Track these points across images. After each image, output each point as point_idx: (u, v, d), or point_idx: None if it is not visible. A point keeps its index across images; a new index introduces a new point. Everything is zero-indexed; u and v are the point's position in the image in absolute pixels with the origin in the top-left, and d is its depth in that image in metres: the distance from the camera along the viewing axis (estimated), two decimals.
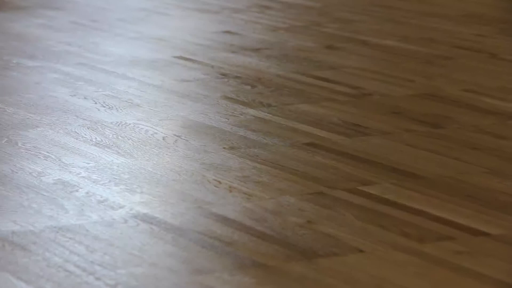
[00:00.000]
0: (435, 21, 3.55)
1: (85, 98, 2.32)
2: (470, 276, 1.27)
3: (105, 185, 1.67)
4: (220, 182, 1.70)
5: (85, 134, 2.00)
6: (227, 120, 2.14)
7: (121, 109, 2.22)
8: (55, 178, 1.70)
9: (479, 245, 1.40)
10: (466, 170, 1.80)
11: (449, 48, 3.05)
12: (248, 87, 2.47)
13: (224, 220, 1.50)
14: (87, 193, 1.62)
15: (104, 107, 2.24)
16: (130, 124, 2.10)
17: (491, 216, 1.54)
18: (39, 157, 1.84)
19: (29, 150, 1.88)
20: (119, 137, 1.99)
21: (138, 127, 2.07)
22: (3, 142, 1.94)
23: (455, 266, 1.31)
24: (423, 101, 2.35)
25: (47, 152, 1.87)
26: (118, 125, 2.08)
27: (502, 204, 1.60)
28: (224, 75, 2.62)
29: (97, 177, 1.71)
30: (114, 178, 1.71)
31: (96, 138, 1.97)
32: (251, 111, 2.22)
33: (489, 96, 2.40)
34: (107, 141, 1.95)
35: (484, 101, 2.35)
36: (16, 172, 1.73)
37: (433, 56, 2.92)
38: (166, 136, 2.00)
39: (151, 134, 2.01)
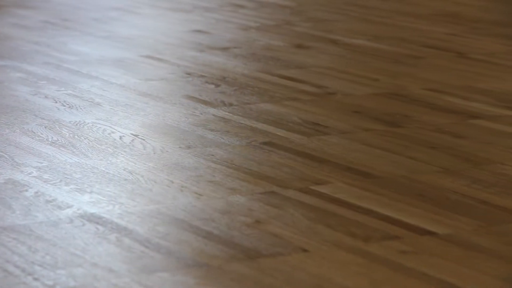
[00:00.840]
0: (408, 20, 3.55)
1: (46, 97, 2.31)
2: (413, 276, 1.27)
3: (55, 185, 1.65)
4: (172, 182, 1.69)
5: (42, 134, 1.99)
6: (186, 119, 2.14)
7: (81, 108, 2.21)
8: (6, 177, 1.69)
9: (425, 245, 1.40)
10: (420, 169, 1.80)
11: (418, 47, 3.05)
12: (212, 86, 2.46)
13: (172, 220, 1.49)
14: (36, 193, 1.61)
15: (64, 106, 2.23)
16: (88, 123, 2.09)
17: (440, 216, 1.53)
18: None
19: None
20: (76, 136, 1.98)
21: (96, 126, 2.06)
22: None
23: (397, 265, 1.30)
24: (386, 100, 2.35)
25: (1, 152, 1.85)
26: (76, 125, 2.07)
27: (452, 203, 1.60)
28: (189, 74, 2.61)
29: (49, 176, 1.70)
30: (65, 177, 1.70)
31: (52, 138, 1.96)
32: (212, 110, 2.22)
33: (452, 95, 2.40)
34: (63, 141, 1.94)
35: (446, 100, 2.35)
36: None
37: (401, 55, 2.91)
38: (123, 136, 1.99)
39: (108, 134, 2.00)
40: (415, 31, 3.32)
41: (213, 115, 2.18)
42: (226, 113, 2.20)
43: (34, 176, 1.70)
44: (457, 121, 2.16)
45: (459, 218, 1.52)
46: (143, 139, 1.97)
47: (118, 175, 1.72)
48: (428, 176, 1.75)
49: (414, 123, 2.13)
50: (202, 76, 2.58)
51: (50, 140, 1.95)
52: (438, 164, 1.83)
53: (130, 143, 1.94)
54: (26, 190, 1.62)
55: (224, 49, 2.97)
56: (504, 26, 3.48)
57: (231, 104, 2.28)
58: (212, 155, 1.87)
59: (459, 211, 1.55)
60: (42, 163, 1.79)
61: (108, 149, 1.89)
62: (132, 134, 2.01)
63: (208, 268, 1.28)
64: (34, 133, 1.99)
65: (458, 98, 2.37)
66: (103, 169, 1.76)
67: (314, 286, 1.22)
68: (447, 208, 1.57)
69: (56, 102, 2.26)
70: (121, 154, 1.86)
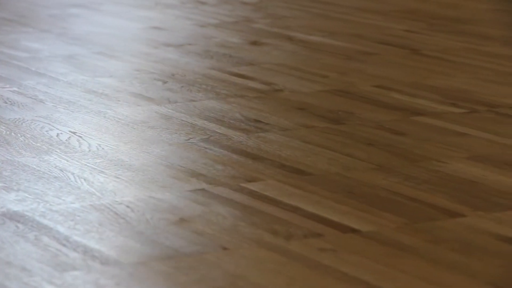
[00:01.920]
0: (367, 16, 3.55)
1: None
2: (329, 274, 1.26)
3: None
4: (103, 180, 1.68)
5: None
6: (127, 116, 2.12)
7: (23, 106, 2.19)
8: None
9: (346, 243, 1.39)
10: (354, 166, 1.79)
11: (373, 44, 3.05)
12: (159, 83, 2.45)
13: (95, 218, 1.48)
14: None
15: (6, 103, 2.21)
16: (27, 120, 2.07)
17: (367, 213, 1.53)
18: None
19: None
20: (12, 133, 1.96)
21: (35, 123, 2.04)
22: None
23: (315, 263, 1.30)
24: (332, 97, 2.34)
25: None
26: (15, 122, 2.05)
27: (381, 200, 1.60)
28: (138, 71, 2.59)
29: None
30: None
31: None
32: (155, 108, 2.20)
33: (399, 92, 2.40)
34: None
35: (392, 97, 2.35)
36: None
37: (355, 52, 2.91)
38: (61, 133, 1.98)
39: (46, 131, 1.99)
40: (372, 28, 3.32)
41: (156, 112, 2.16)
42: (169, 110, 2.18)
43: None
44: (400, 118, 2.16)
45: (385, 216, 1.52)
46: (80, 137, 1.95)
47: (49, 172, 1.71)
48: (362, 173, 1.75)
49: (356, 120, 2.13)
50: (151, 73, 2.57)
51: None
52: (373, 161, 1.83)
53: (66, 140, 1.93)
54: None
55: (179, 46, 2.96)
56: (463, 23, 3.48)
57: (175, 101, 2.26)
58: (148, 152, 1.86)
59: (387, 208, 1.55)
60: None
61: (43, 146, 1.88)
62: (70, 131, 1.99)
63: (123, 267, 1.27)
64: None
65: (405, 95, 2.37)
66: (34, 166, 1.74)
67: (229, 284, 1.21)
68: (375, 205, 1.57)
69: None
70: (55, 151, 1.85)
